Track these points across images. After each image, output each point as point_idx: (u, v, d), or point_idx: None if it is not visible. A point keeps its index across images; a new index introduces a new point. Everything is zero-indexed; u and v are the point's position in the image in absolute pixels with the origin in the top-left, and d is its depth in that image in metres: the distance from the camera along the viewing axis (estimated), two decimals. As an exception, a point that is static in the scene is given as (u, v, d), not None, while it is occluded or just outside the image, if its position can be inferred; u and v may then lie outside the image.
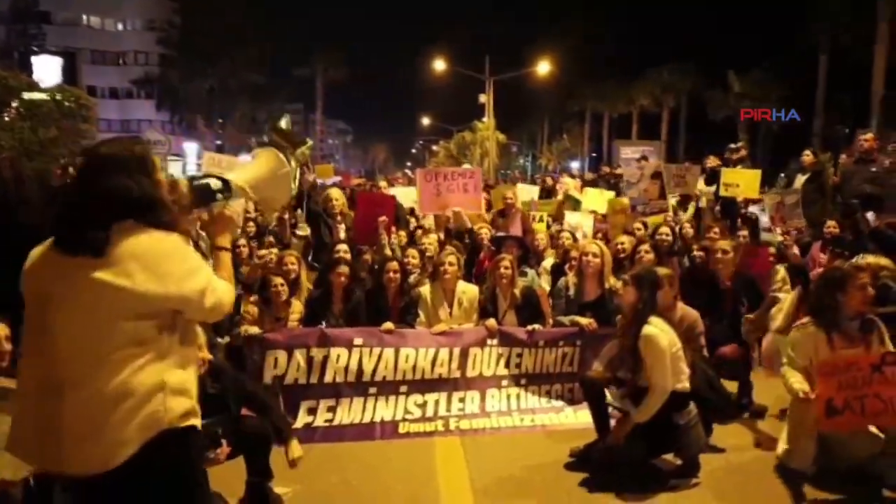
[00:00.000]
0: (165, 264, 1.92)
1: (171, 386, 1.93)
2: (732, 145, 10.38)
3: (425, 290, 5.42)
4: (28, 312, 1.95)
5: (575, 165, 43.65)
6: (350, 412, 4.81)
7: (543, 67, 33.00)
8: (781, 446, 3.98)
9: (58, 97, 14.24)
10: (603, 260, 5.31)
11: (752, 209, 9.22)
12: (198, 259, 2.04)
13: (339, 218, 6.51)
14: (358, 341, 4.90)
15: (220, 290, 2.06)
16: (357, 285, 5.47)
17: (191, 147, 42.33)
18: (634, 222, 7.29)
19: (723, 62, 33.27)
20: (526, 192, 10.71)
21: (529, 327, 5.17)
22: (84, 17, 50.66)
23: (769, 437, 4.41)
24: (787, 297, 4.63)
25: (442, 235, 7.57)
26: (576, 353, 5.21)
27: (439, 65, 33.09)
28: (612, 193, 10.67)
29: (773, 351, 4.63)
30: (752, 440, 4.44)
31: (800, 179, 8.24)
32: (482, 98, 35.61)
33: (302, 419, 4.71)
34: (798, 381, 3.61)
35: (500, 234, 6.69)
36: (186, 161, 41.59)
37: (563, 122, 48.93)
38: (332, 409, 4.81)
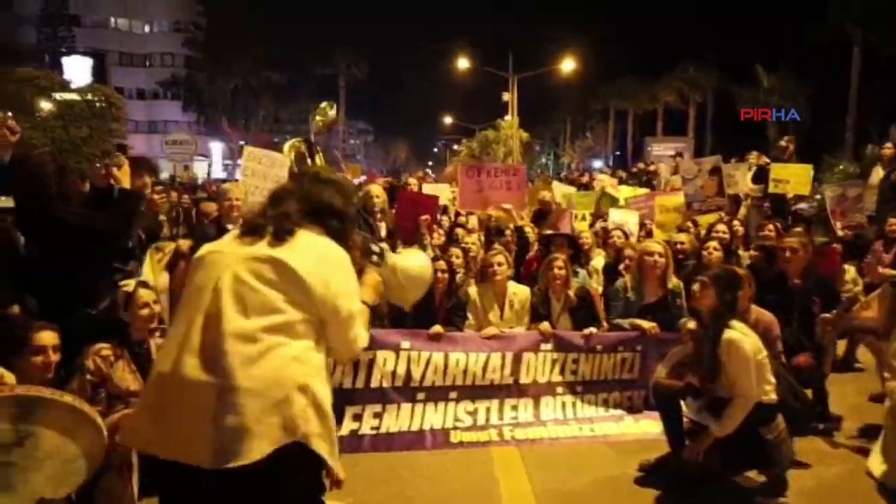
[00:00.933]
0: (335, 270, 1.97)
1: (314, 395, 1.85)
2: (782, 142, 9.98)
3: (473, 291, 5.13)
4: (190, 301, 1.92)
5: (597, 164, 43.03)
6: (398, 419, 4.54)
7: (567, 65, 32.50)
8: (877, 463, 3.64)
9: (89, 97, 14.24)
10: (667, 260, 4.99)
11: (801, 205, 8.84)
12: (358, 289, 2.10)
13: (379, 216, 6.24)
14: (405, 344, 4.62)
15: (362, 329, 2.07)
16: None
17: (216, 147, 42.61)
18: (688, 220, 6.92)
19: (747, 59, 32.62)
20: (560, 191, 10.41)
21: (586, 331, 4.86)
22: (112, 19, 51.17)
23: (851, 449, 4.08)
24: (873, 296, 4.26)
25: (482, 235, 7.31)
26: (636, 358, 4.89)
27: (461, 63, 32.75)
28: (645, 190, 10.33)
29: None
30: (835, 453, 4.08)
31: (878, 173, 7.76)
32: (505, 96, 35.23)
33: (347, 426, 4.44)
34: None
35: (549, 231, 6.37)
36: (212, 161, 41.89)
37: (586, 120, 48.36)
38: (378, 416, 4.54)
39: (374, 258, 2.41)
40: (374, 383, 4.56)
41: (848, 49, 29.27)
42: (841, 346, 5.66)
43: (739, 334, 3.40)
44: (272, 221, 1.98)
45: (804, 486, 3.58)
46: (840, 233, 6.89)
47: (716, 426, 3.48)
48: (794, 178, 8.25)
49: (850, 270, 5.59)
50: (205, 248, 2.06)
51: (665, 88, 38.70)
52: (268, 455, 1.72)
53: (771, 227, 6.60)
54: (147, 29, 52.63)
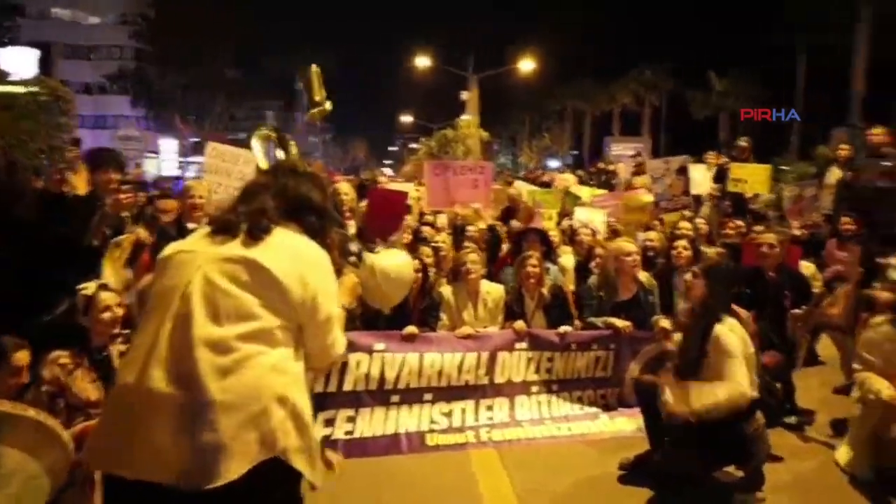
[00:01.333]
0: (314, 270, 1.84)
1: (293, 406, 1.71)
2: (741, 142, 10.21)
3: (447, 290, 5.05)
4: (155, 297, 1.79)
5: (554, 164, 43.48)
6: (372, 423, 4.42)
7: (525, 65, 32.72)
8: (845, 454, 3.72)
9: (33, 89, 13.54)
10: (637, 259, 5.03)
11: (757, 204, 9.04)
12: (337, 285, 1.97)
13: (348, 214, 6.09)
14: (379, 346, 4.50)
15: (340, 334, 1.97)
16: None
17: (168, 144, 41.35)
18: (655, 219, 6.99)
19: (701, 62, 33.49)
20: (524, 189, 10.43)
21: (561, 329, 4.84)
22: (56, 9, 49.10)
23: (822, 442, 4.16)
24: (839, 291, 4.36)
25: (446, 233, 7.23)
26: (610, 356, 4.89)
27: (421, 61, 32.61)
28: (604, 192, 10.46)
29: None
30: (807, 447, 4.16)
31: (834, 173, 7.98)
32: (464, 95, 35.21)
33: (320, 431, 4.29)
34: (884, 386, 3.33)
35: (520, 227, 6.33)
36: (163, 158, 40.65)
37: (544, 120, 48.81)
38: (351, 420, 4.40)
39: (352, 258, 2.31)
40: (346, 387, 4.42)
41: (794, 55, 30.35)
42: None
43: (727, 329, 3.41)
44: (246, 219, 1.83)
45: (779, 480, 3.63)
46: (797, 231, 7.07)
47: (696, 390, 3.33)
48: (752, 177, 8.43)
49: (810, 267, 5.71)
50: (172, 248, 1.90)
51: (622, 90, 39.40)
52: (245, 473, 1.60)
53: (733, 224, 6.75)
54: (93, 20, 50.70)
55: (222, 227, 1.85)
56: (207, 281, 1.73)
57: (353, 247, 2.34)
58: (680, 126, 35.27)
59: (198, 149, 46.21)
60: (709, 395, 3.29)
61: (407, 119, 55.42)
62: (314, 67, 2.85)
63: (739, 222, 7.03)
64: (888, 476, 3.49)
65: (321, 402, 4.33)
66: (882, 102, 25.99)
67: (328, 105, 2.93)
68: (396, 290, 2.59)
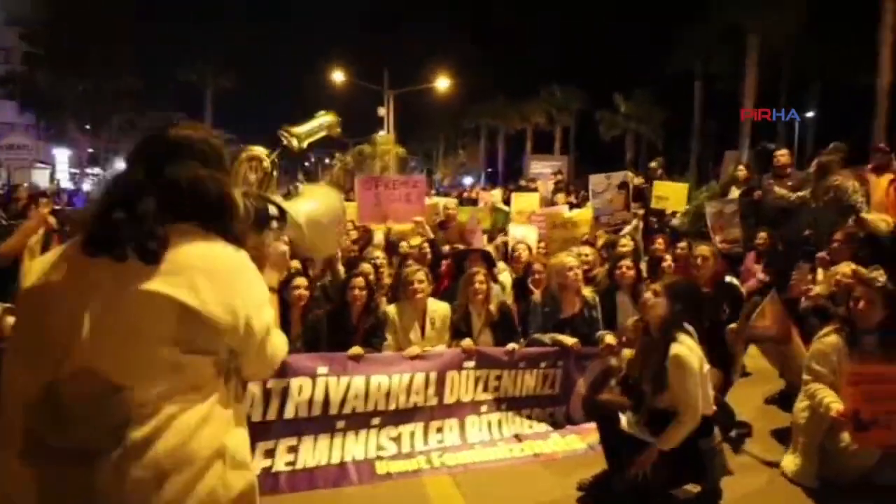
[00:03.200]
0: (236, 285, 1.45)
1: (231, 452, 1.44)
2: (653, 163, 10.69)
3: (392, 310, 4.85)
4: (29, 345, 1.39)
5: (468, 181, 44.04)
6: (315, 452, 4.12)
7: (440, 83, 33.01)
8: (791, 463, 3.81)
9: None
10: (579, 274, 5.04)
11: (674, 221, 9.43)
12: (266, 289, 1.58)
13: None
14: (322, 370, 4.21)
15: (278, 337, 1.62)
16: (315, 304, 4.79)
17: (62, 154, 38.46)
18: (595, 232, 7.09)
19: (608, 83, 35.22)
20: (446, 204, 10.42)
21: (509, 347, 4.73)
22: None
23: (766, 453, 4.26)
24: (765, 303, 4.51)
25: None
26: (557, 374, 4.84)
27: (336, 76, 32.17)
28: (536, 196, 10.65)
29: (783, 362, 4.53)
30: (752, 460, 4.23)
31: (734, 192, 8.44)
32: (381, 111, 35.03)
33: (259, 463, 3.93)
34: (833, 399, 3.42)
35: (461, 246, 6.22)
36: (56, 169, 37.75)
37: (459, 138, 49.45)
38: (293, 450, 4.09)
39: (275, 224, 1.86)
40: (287, 414, 4.10)
41: (691, 87, 32.44)
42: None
43: (685, 348, 3.40)
44: (129, 234, 1.35)
45: (733, 495, 3.64)
46: (720, 246, 7.38)
47: (656, 441, 3.44)
48: (673, 195, 8.79)
49: (733, 281, 5.93)
50: (34, 278, 1.40)
51: (534, 110, 40.61)
52: None
53: (661, 240, 6.96)
54: (-24, 20, 46.54)
55: (99, 246, 1.36)
56: (100, 327, 1.32)
57: (272, 208, 1.85)
58: (589, 145, 36.80)
59: (94, 159, 43.33)
60: (671, 442, 3.36)
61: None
62: (333, 119, 2.46)
63: (663, 238, 7.27)
64: (835, 485, 3.59)
65: (260, 432, 4.01)
66: (770, 125, 28.32)
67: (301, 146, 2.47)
68: (330, 233, 2.19)
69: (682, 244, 7.42)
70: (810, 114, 32.43)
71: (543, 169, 18.29)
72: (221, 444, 1.42)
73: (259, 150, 2.08)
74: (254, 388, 3.95)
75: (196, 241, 1.43)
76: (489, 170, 47.21)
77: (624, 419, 3.63)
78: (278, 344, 1.62)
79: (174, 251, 1.38)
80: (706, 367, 3.53)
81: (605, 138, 35.10)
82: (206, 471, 1.38)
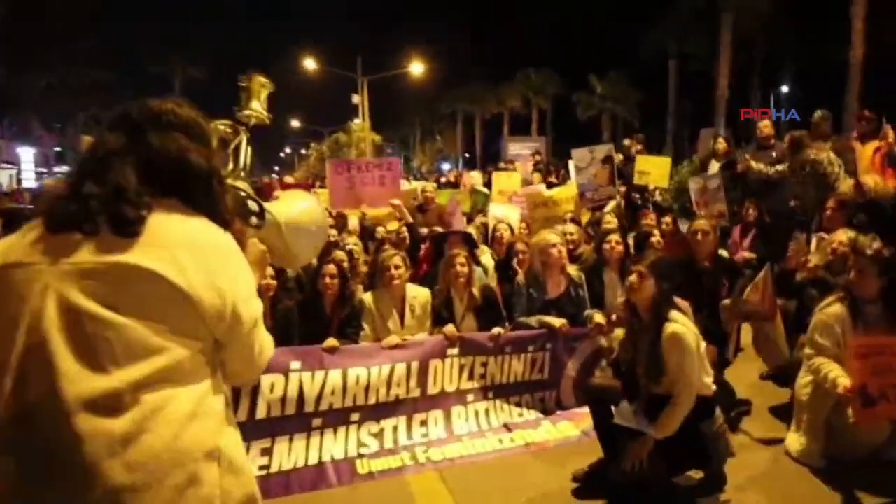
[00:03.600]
0: (224, 266, 1.30)
1: (227, 456, 1.27)
2: (627, 141, 10.48)
3: (368, 298, 4.55)
4: None
5: (446, 167, 43.73)
6: (291, 454, 3.84)
7: (415, 68, 32.58)
8: (795, 443, 3.61)
9: None
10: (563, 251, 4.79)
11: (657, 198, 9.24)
12: (254, 278, 1.44)
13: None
14: (295, 365, 3.92)
15: (265, 335, 1.46)
16: (285, 295, 4.48)
17: (26, 153, 37.38)
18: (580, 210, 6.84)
19: (583, 66, 35.12)
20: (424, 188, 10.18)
21: (494, 331, 4.47)
22: None
23: (767, 431, 4.07)
24: (758, 278, 4.29)
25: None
26: (546, 357, 4.59)
27: (309, 64, 31.51)
28: (518, 175, 10.40)
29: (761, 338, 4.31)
30: (752, 439, 4.03)
31: (714, 166, 8.27)
32: (356, 98, 34.59)
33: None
34: (840, 374, 3.21)
35: (440, 229, 5.94)
36: (21, 169, 36.71)
37: (436, 123, 49.06)
38: (267, 452, 3.80)
39: (254, 220, 1.72)
40: (259, 414, 3.82)
41: (665, 67, 32.40)
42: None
43: (682, 326, 3.16)
44: (101, 206, 1.21)
45: (738, 476, 3.43)
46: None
47: (654, 428, 3.21)
48: (656, 169, 8.59)
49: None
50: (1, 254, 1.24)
51: (510, 93, 40.40)
52: None
53: (652, 215, 6.75)
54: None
55: (66, 222, 1.21)
56: (68, 308, 1.15)
57: (252, 203, 1.71)
58: (566, 127, 36.68)
59: (61, 157, 42.11)
60: (668, 428, 3.12)
61: (296, 123, 53.64)
62: (260, 77, 2.20)
63: (650, 214, 7.08)
64: (843, 463, 3.40)
65: None
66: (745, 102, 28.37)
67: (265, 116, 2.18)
68: (310, 242, 2.01)
69: (667, 219, 7.30)
70: (784, 89, 32.60)
71: (522, 150, 18.04)
72: (215, 445, 1.24)
73: (234, 126, 1.91)
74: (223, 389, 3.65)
75: (181, 217, 1.28)
76: (466, 155, 46.93)
77: (619, 409, 3.39)
78: (266, 342, 1.46)
79: (155, 224, 1.23)
80: (703, 344, 3.30)
81: (582, 118, 35.01)
82: (200, 476, 1.20)
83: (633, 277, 3.28)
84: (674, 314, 3.21)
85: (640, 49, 31.71)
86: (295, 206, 1.95)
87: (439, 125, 49.08)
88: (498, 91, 41.00)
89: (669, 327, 3.14)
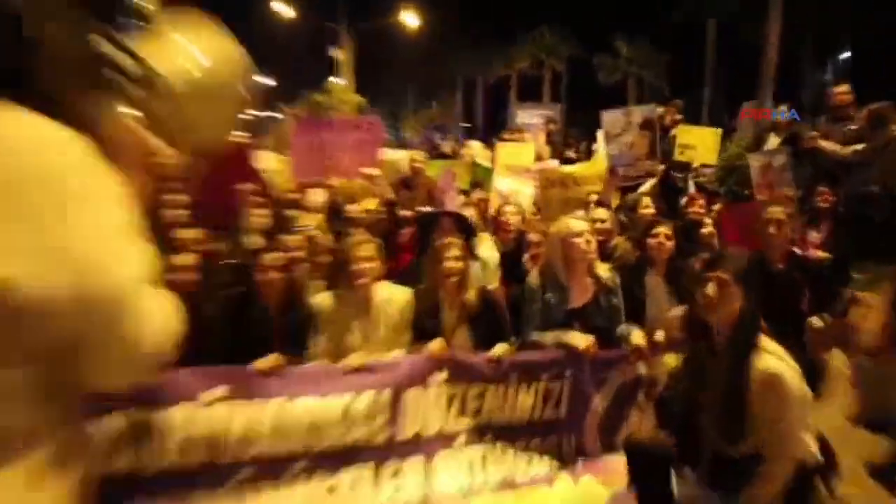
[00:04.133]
0: (55, 206, 0.96)
1: None
2: (661, 109, 9.73)
3: (325, 299, 3.91)
4: None
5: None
6: (207, 520, 3.19)
7: (409, 19, 31.81)
8: None
9: None
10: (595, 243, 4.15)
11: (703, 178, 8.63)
12: (122, 212, 1.07)
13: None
14: (217, 391, 3.31)
15: (152, 303, 1.11)
16: (209, 295, 3.83)
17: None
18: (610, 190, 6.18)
19: (603, 29, 34.81)
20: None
21: (495, 350, 3.87)
22: None
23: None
24: (875, 299, 3.60)
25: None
26: (564, 388, 3.97)
27: (279, 8, 30.54)
28: (531, 147, 9.72)
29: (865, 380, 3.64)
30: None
31: (773, 140, 7.64)
32: (336, 53, 33.97)
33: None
34: None
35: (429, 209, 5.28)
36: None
37: (433, 88, 48.53)
38: (171, 518, 3.15)
39: (130, 87, 1.29)
40: (163, 461, 3.19)
41: (703, 29, 31.95)
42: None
43: (779, 360, 2.49)
44: None
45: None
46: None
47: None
48: (701, 143, 7.97)
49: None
50: None
51: (519, 54, 39.94)
52: None
53: (701, 201, 6.13)
54: None
55: None
56: None
57: (125, 58, 1.27)
58: (583, 93, 36.23)
59: None
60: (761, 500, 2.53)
61: (266, 82, 52.86)
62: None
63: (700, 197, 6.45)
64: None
65: (120, 491, 3.07)
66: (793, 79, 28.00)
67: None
68: (224, 103, 1.70)
69: (717, 206, 6.71)
70: (844, 55, 32.33)
71: (532, 119, 17.32)
72: None
73: None
74: (102, 427, 2.97)
75: None
76: (467, 125, 46.46)
77: (677, 479, 2.74)
78: (159, 316, 1.14)
79: None
80: (805, 388, 2.63)
81: (605, 83, 34.61)
82: None
83: (710, 288, 2.58)
84: (766, 342, 2.54)
85: (673, 5, 31.29)
86: (194, 49, 1.61)
87: (436, 92, 48.57)
88: (505, 52, 40.50)
89: (762, 361, 2.49)
